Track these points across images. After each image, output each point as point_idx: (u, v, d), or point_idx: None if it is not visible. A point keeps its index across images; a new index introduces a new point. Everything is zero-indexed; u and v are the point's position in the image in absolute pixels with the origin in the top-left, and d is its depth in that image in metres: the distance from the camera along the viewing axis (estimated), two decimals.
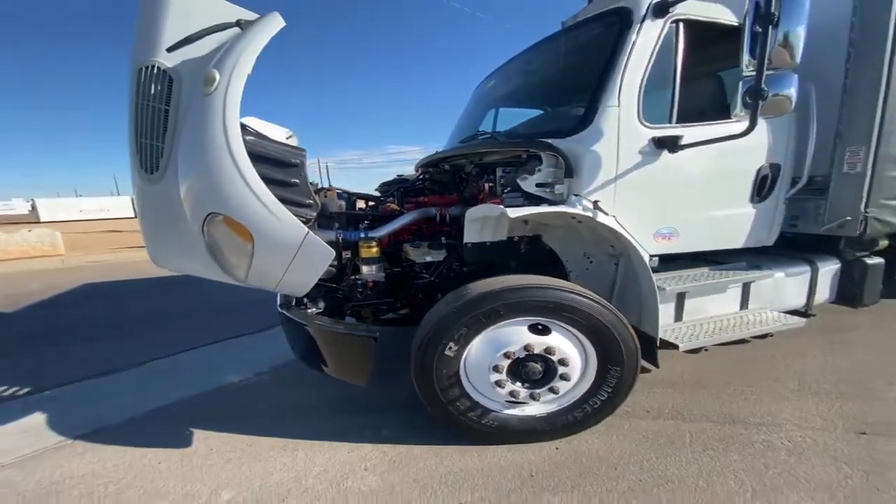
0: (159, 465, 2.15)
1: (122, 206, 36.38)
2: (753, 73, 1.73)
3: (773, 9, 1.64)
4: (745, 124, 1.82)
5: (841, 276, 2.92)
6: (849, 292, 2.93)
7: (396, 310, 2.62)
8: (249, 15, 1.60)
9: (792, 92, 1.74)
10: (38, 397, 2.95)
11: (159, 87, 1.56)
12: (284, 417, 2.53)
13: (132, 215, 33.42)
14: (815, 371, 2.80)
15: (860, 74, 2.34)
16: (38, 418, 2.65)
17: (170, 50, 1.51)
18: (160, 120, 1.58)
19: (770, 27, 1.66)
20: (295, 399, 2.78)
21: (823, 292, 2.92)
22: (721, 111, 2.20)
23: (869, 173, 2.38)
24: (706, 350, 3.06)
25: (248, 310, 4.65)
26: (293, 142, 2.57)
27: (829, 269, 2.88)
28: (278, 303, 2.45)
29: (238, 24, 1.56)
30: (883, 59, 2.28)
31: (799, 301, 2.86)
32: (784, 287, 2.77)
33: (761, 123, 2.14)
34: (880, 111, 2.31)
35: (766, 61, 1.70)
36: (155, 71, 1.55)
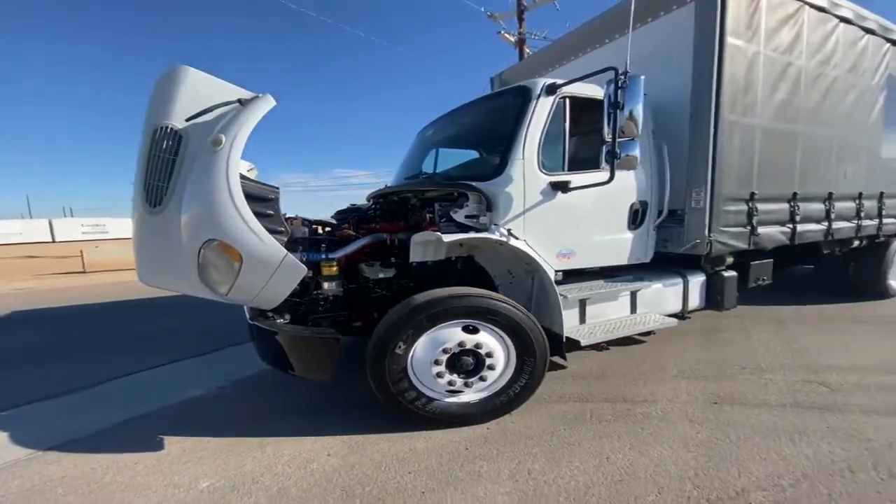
0: (136, 465, 2.37)
1: (37, 229, 32.84)
2: (610, 140, 2.47)
3: (619, 98, 2.40)
4: (608, 175, 2.55)
5: (707, 286, 3.76)
6: (713, 299, 3.77)
7: (351, 322, 3.04)
8: (247, 94, 2.09)
9: (637, 153, 2.49)
10: None
11: (170, 143, 1.99)
12: (249, 421, 2.82)
13: (49, 239, 30.46)
14: (690, 362, 3.55)
15: (698, 136, 3.23)
16: None
17: (188, 119, 1.95)
18: (167, 167, 2.00)
19: (618, 110, 2.41)
20: (257, 406, 3.08)
21: (695, 299, 3.73)
22: (598, 163, 2.95)
23: (708, 208, 3.23)
24: (608, 348, 3.78)
25: (185, 336, 4.84)
26: (254, 174, 3.00)
27: (697, 281, 3.71)
28: (248, 317, 2.80)
29: (239, 101, 2.04)
30: (709, 126, 3.18)
31: (676, 306, 3.64)
32: (664, 295, 3.54)
33: (630, 171, 2.92)
34: (711, 162, 3.19)
35: (617, 132, 2.44)
36: (168, 131, 1.98)
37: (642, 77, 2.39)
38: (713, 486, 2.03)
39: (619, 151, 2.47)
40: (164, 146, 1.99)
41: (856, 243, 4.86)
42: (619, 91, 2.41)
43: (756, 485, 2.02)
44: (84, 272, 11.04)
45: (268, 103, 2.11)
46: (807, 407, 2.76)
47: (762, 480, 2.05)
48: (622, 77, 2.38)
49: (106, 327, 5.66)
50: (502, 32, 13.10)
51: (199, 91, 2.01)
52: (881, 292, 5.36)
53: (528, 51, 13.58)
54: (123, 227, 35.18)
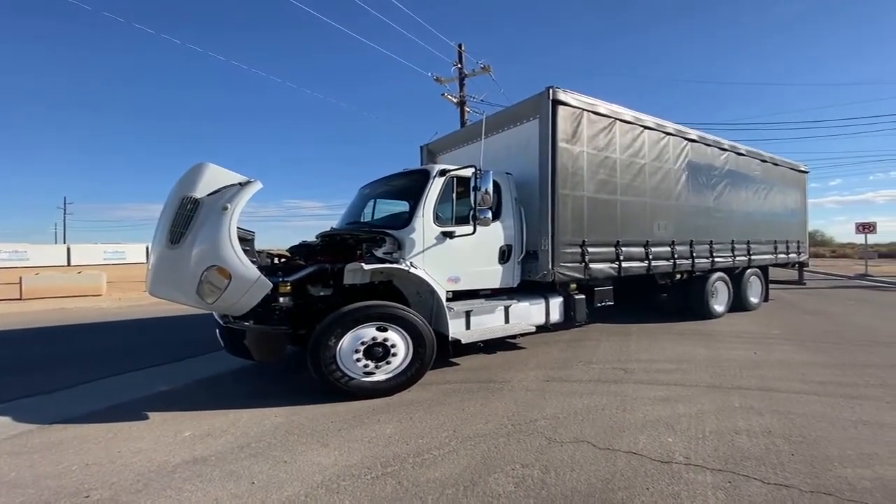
0: (130, 428, 3.27)
1: None
2: (473, 207, 3.94)
3: (477, 183, 3.90)
4: (471, 228, 4.01)
5: (564, 305, 5.28)
6: (568, 315, 5.29)
7: (298, 331, 4.11)
8: (244, 178, 3.32)
9: (489, 216, 3.99)
10: None
11: (190, 206, 3.15)
12: (214, 401, 3.78)
13: None
14: (547, 359, 4.98)
15: (543, 203, 4.85)
16: (2, 419, 3.46)
17: (209, 195, 3.13)
18: (187, 220, 3.15)
19: (477, 189, 3.90)
20: (218, 393, 4.05)
21: (555, 315, 5.22)
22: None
23: (551, 250, 4.80)
24: (482, 346, 5.13)
25: (148, 352, 5.62)
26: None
27: (556, 301, 5.22)
28: (221, 322, 3.85)
29: (239, 184, 3.26)
30: (548, 197, 4.80)
31: (541, 319, 5.10)
32: (530, 310, 5.00)
33: (499, 223, 4.41)
34: (551, 220, 4.80)
35: (478, 202, 3.92)
36: (191, 198, 3.16)
37: (490, 171, 3.94)
38: (519, 418, 3.35)
39: (479, 214, 3.94)
40: (187, 207, 3.14)
41: (678, 276, 6.74)
42: (477, 179, 3.91)
43: (543, 417, 3.38)
44: (21, 299, 10.86)
45: (257, 185, 3.36)
46: (604, 381, 4.23)
47: (545, 416, 3.39)
48: (479, 171, 3.90)
49: (55, 347, 6.17)
50: (446, 94, 15.16)
51: (214, 176, 3.22)
52: (706, 314, 7.28)
53: (468, 110, 15.75)
54: (46, 254, 32.74)
